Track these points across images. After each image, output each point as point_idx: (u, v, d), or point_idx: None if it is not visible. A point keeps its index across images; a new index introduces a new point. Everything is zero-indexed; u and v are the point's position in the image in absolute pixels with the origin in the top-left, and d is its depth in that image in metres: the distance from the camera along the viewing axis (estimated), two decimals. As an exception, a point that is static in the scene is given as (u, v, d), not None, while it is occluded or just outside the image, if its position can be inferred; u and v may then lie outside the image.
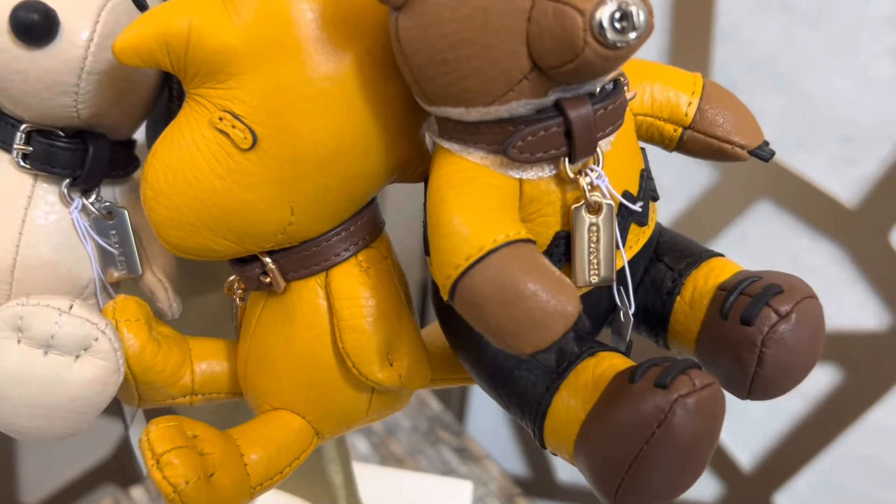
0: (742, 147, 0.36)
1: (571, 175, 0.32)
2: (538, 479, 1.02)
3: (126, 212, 0.40)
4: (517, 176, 0.32)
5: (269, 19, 0.32)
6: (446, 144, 0.33)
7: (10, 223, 0.38)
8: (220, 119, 0.33)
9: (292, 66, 0.32)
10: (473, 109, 0.31)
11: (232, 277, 0.40)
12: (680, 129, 0.36)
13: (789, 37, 0.68)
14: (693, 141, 0.37)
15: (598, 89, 0.32)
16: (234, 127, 0.32)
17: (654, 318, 0.37)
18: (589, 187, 0.32)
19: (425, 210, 0.36)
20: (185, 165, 0.33)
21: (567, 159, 0.32)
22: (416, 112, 0.35)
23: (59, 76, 0.35)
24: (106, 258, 0.40)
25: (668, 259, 0.38)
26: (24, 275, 0.38)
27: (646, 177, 0.36)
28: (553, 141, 0.31)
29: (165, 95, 0.41)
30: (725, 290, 0.35)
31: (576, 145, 0.31)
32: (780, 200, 0.74)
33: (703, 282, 0.36)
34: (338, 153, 0.34)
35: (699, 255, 0.38)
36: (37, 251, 0.38)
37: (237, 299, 0.40)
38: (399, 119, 0.35)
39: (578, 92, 0.31)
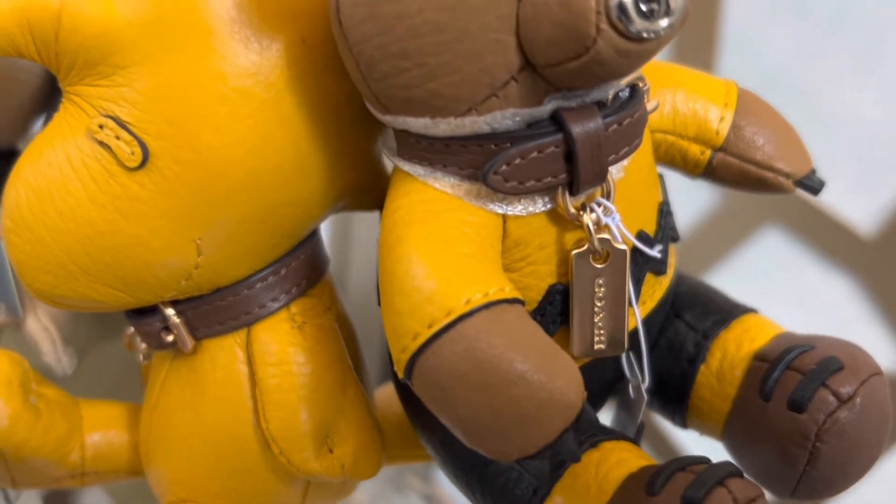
0: (787, 176, 0.28)
1: (572, 211, 0.24)
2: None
3: (3, 242, 0.31)
4: (500, 211, 0.24)
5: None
6: (406, 167, 0.25)
7: None
8: (101, 127, 0.24)
9: (200, 57, 0.24)
10: (442, 121, 0.23)
11: (128, 333, 0.31)
12: (709, 152, 0.28)
13: (805, 46, 0.61)
14: (725, 167, 0.29)
15: (609, 97, 0.24)
16: (118, 138, 0.24)
17: (671, 390, 0.29)
18: (595, 227, 0.24)
19: (379, 251, 0.28)
20: (54, 189, 0.25)
21: (567, 190, 0.24)
22: (367, 121, 0.27)
23: None
24: (-26, 300, 0.31)
25: (690, 316, 0.29)
26: None
27: (665, 212, 0.28)
28: (549, 165, 0.23)
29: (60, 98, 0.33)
30: (766, 362, 0.27)
31: (579, 172, 0.23)
32: (790, 227, 0.67)
33: (735, 347, 0.28)
34: (260, 174, 0.25)
35: (728, 312, 0.30)
36: None
37: (140, 356, 0.32)
38: (345, 130, 0.27)
39: (585, 100, 0.23)
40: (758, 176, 0.28)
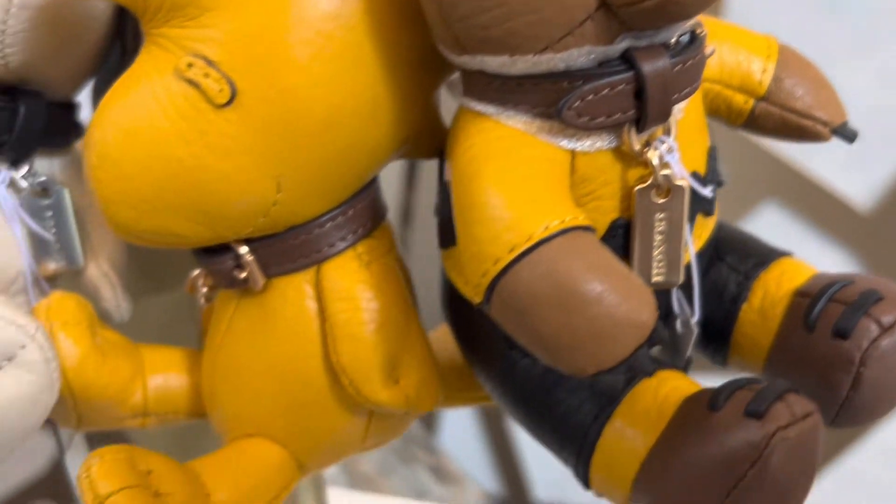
0: (824, 124, 0.30)
1: (637, 147, 0.25)
2: (513, 499, 0.95)
3: (66, 190, 0.32)
4: (569, 147, 0.25)
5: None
6: (479, 107, 0.26)
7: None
8: (189, 66, 0.25)
9: (284, 0, 0.25)
10: (520, 58, 0.24)
11: (196, 272, 0.32)
12: (752, 101, 0.30)
13: (805, 26, 0.63)
14: (766, 115, 0.30)
15: (673, 40, 0.25)
16: (206, 76, 0.25)
17: (715, 329, 0.31)
18: (659, 164, 0.26)
19: (442, 193, 0.29)
20: (142, 126, 0.26)
21: (633, 127, 0.25)
22: (434, 68, 0.29)
23: None
24: (39, 246, 0.32)
25: (731, 259, 0.31)
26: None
27: (713, 156, 0.29)
28: (619, 102, 0.24)
29: (117, 51, 0.34)
30: (808, 297, 0.29)
31: (648, 108, 0.24)
32: (788, 202, 0.69)
33: (776, 286, 0.30)
34: (339, 116, 0.27)
35: (767, 255, 0.31)
36: (-51, 236, 0.30)
37: (202, 299, 0.33)
38: (415, 75, 0.28)
39: (653, 41, 0.25)
40: (797, 124, 0.30)
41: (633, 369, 0.24)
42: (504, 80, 0.25)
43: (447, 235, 0.29)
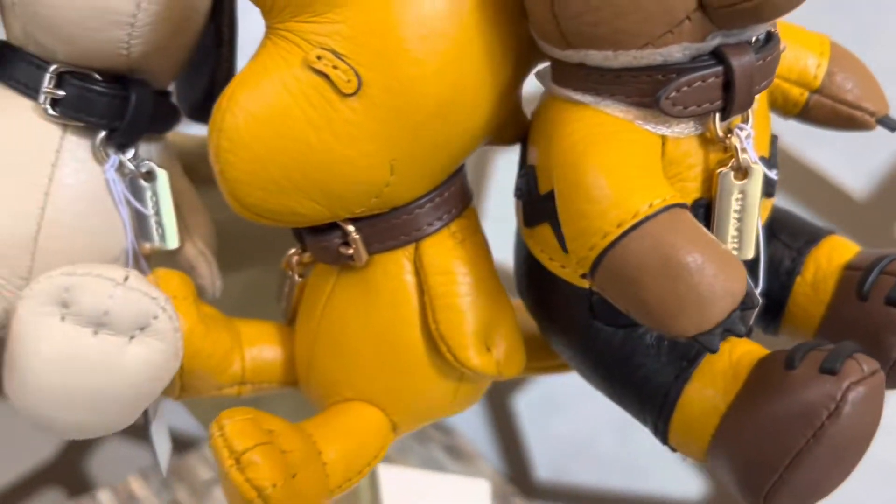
0: (871, 114, 0.33)
1: (721, 133, 0.28)
2: (516, 478, 0.98)
3: (166, 173, 0.34)
4: (660, 132, 0.28)
5: (381, -58, 0.27)
6: (576, 96, 0.29)
7: (35, 182, 0.32)
8: (319, 58, 0.28)
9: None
10: (623, 53, 0.27)
11: (292, 251, 0.35)
12: (807, 93, 0.33)
13: (808, 21, 0.66)
14: (819, 107, 0.33)
15: (754, 38, 0.28)
16: (335, 68, 0.28)
17: (770, 301, 0.34)
18: (740, 148, 0.29)
19: (527, 177, 0.32)
20: (273, 112, 0.28)
21: (718, 115, 0.28)
22: (526, 60, 0.31)
23: (115, 2, 0.29)
24: (141, 226, 0.34)
25: (785, 236, 0.34)
26: (49, 243, 0.32)
27: (775, 143, 0.32)
28: (709, 93, 0.27)
29: (207, 41, 0.36)
30: (859, 270, 0.32)
31: (734, 99, 0.27)
32: (787, 189, 0.72)
33: (827, 262, 0.33)
34: (449, 105, 0.29)
35: (816, 233, 0.34)
36: (64, 215, 0.32)
37: (295, 276, 0.35)
38: (511, 68, 0.31)
39: (740, 38, 0.27)
40: (847, 114, 0.33)
41: (729, 331, 0.27)
42: (602, 72, 0.28)
43: (533, 215, 0.32)
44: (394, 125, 0.28)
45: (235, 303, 0.41)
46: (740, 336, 0.29)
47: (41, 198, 0.32)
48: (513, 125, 0.33)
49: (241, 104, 0.28)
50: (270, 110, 0.28)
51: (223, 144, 0.29)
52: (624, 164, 0.27)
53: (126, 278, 0.29)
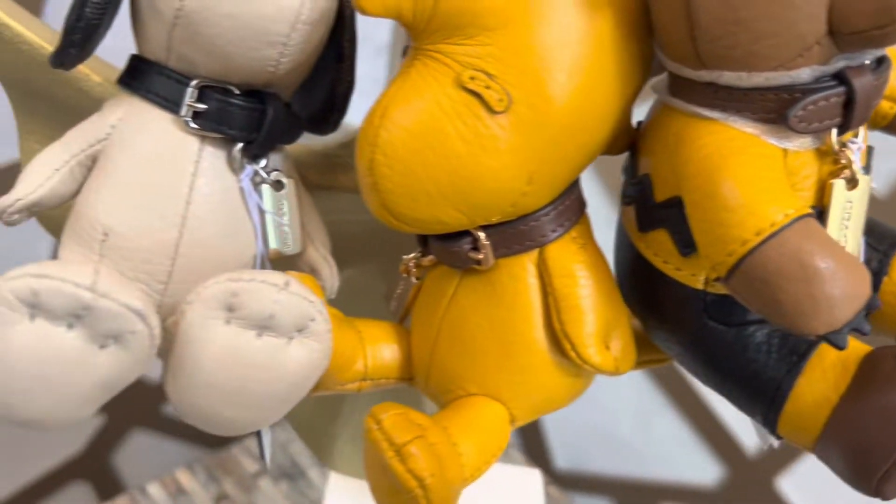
0: None
1: (836, 147, 0.31)
2: (535, 465, 1.01)
3: (293, 181, 0.36)
4: (783, 146, 0.31)
5: (531, -31, 0.29)
6: (705, 112, 0.31)
7: (177, 192, 0.34)
8: (472, 78, 0.30)
9: (555, 21, 0.30)
10: (756, 74, 0.29)
11: (410, 256, 0.37)
12: None
13: None
14: None
15: (868, 60, 0.31)
16: (487, 87, 0.30)
17: None
18: (853, 161, 0.31)
19: (641, 184, 0.34)
20: (427, 128, 0.30)
21: (836, 131, 0.30)
22: (646, 76, 0.34)
23: (273, 24, 0.31)
24: (270, 232, 0.36)
25: (872, 239, 0.37)
26: (190, 251, 0.34)
27: (871, 154, 0.35)
28: (831, 111, 0.30)
29: (326, 55, 0.37)
30: None
31: (853, 117, 0.30)
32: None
33: None
34: (585, 119, 0.31)
35: None
36: (204, 224, 0.34)
37: (413, 278, 0.37)
38: (637, 84, 0.33)
39: (861, 61, 0.30)
40: None
41: (856, 328, 0.30)
42: (732, 91, 0.30)
43: (648, 221, 0.34)
44: (535, 139, 0.31)
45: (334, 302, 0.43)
46: (866, 334, 0.31)
47: (183, 206, 0.34)
48: (624, 135, 0.35)
49: (395, 121, 0.30)
50: (424, 126, 0.30)
51: (378, 158, 0.31)
52: (756, 176, 0.29)
53: (287, 283, 0.31)
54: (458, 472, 0.32)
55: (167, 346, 0.32)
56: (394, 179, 0.31)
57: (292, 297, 0.31)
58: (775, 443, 0.36)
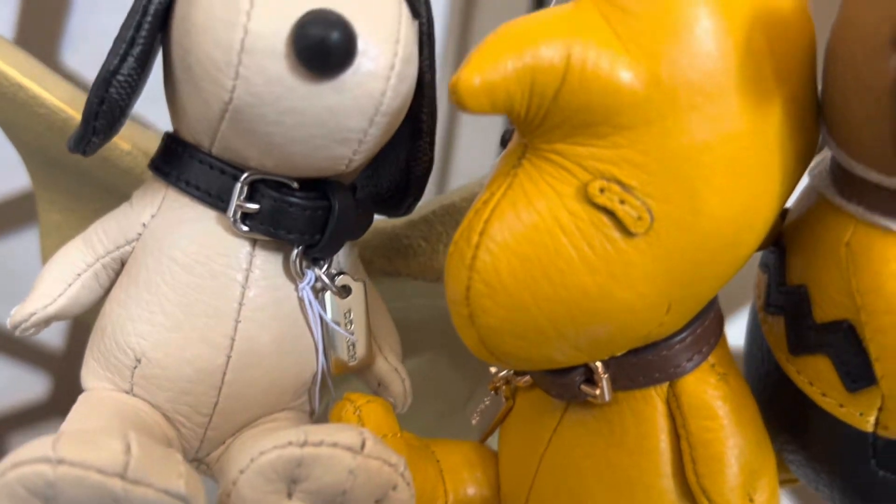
0: None
1: None
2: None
3: (363, 285, 0.30)
4: None
5: (683, 52, 0.22)
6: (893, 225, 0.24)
7: (225, 309, 0.28)
8: (602, 190, 0.23)
9: (711, 118, 0.23)
10: None
11: (501, 374, 0.31)
12: None
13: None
14: None
15: None
16: (622, 202, 0.23)
17: None
18: None
19: (790, 295, 0.28)
20: (541, 253, 0.23)
21: None
22: (805, 169, 0.27)
23: (347, 119, 0.25)
24: (335, 345, 0.30)
25: None
26: (239, 375, 0.28)
27: None
28: None
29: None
30: None
31: None
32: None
33: None
34: (742, 233, 0.25)
35: None
36: (256, 344, 0.28)
37: (504, 398, 0.31)
38: (798, 180, 0.26)
39: None
40: None
41: None
42: None
43: (803, 344, 0.27)
44: (681, 263, 0.24)
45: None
46: None
47: (231, 326, 0.28)
48: (771, 232, 0.29)
49: (498, 241, 0.24)
50: (537, 250, 0.23)
51: (478, 287, 0.24)
52: None
53: (363, 444, 0.24)
54: None
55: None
56: (497, 314, 0.24)
57: (370, 462, 0.24)
58: None
